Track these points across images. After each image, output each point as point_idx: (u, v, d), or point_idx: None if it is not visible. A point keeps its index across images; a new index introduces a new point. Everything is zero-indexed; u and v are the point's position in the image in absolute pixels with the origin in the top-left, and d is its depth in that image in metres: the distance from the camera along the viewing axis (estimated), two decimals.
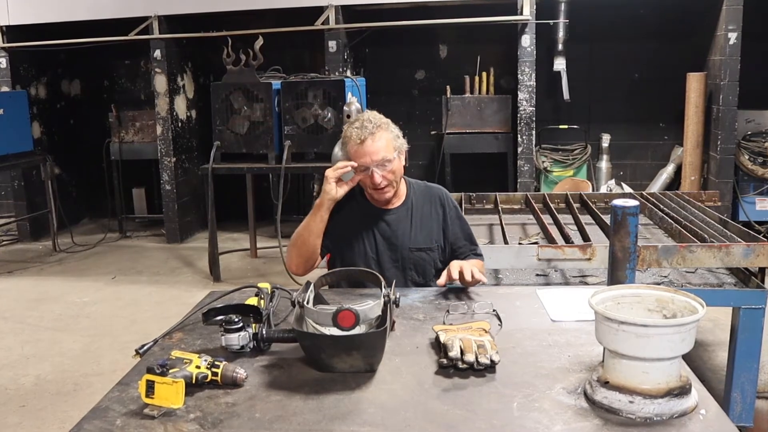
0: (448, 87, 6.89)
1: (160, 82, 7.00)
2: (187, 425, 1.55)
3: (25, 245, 7.40)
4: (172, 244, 7.23)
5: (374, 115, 2.53)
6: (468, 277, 2.34)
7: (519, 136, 6.51)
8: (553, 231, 3.40)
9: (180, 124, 7.24)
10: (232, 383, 1.71)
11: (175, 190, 7.16)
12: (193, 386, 1.68)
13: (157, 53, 6.91)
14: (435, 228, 2.65)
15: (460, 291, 2.41)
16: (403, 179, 2.67)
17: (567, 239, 3.23)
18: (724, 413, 1.56)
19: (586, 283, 3.23)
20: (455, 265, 2.38)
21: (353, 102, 5.22)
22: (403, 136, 2.62)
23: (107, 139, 7.55)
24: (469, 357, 1.74)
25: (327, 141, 5.68)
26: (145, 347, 1.99)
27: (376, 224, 2.63)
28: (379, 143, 2.46)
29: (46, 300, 5.59)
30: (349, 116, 5.07)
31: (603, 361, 1.63)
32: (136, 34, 6.76)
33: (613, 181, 6.89)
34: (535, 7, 6.29)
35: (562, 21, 6.56)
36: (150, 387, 1.59)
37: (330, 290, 2.43)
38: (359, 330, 1.85)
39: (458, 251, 2.69)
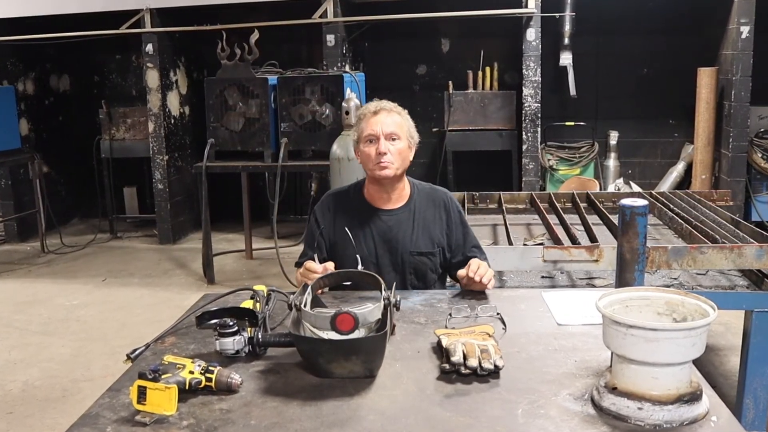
0: (450, 82, 6.86)
1: (152, 78, 6.93)
2: None
3: (12, 246, 7.35)
4: (165, 245, 7.17)
5: (393, 103, 2.58)
6: (478, 278, 2.34)
7: (524, 133, 6.47)
8: (559, 231, 3.38)
9: (173, 121, 7.18)
10: (227, 389, 1.68)
11: (168, 189, 7.10)
12: (187, 392, 1.66)
13: (149, 47, 6.85)
14: (437, 232, 2.59)
15: (462, 294, 2.39)
16: (407, 179, 2.62)
17: (573, 240, 3.21)
18: (736, 420, 1.54)
19: (594, 286, 3.22)
20: (475, 263, 2.38)
21: (352, 98, 5.19)
22: None
23: (97, 137, 7.48)
24: (472, 362, 1.71)
25: (325, 138, 5.66)
26: (137, 352, 1.95)
27: (375, 225, 2.56)
28: (393, 119, 2.50)
29: (34, 303, 5.53)
30: (347, 113, 5.01)
31: (611, 366, 1.62)
32: (127, 28, 6.70)
33: (621, 180, 6.86)
34: None
35: (568, 14, 6.54)
36: (142, 393, 1.58)
37: (328, 293, 2.40)
38: (358, 334, 1.81)
39: (465, 259, 2.60)
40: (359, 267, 2.44)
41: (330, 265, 2.31)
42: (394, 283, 2.07)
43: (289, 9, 6.52)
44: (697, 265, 2.94)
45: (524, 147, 6.45)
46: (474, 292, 2.38)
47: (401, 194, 2.58)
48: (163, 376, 1.62)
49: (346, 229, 2.52)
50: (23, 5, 6.87)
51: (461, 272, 2.38)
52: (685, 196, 4.03)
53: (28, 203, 7.25)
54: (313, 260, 2.38)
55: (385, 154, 2.45)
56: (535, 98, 6.38)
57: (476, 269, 2.34)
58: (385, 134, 2.46)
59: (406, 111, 2.58)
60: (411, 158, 2.57)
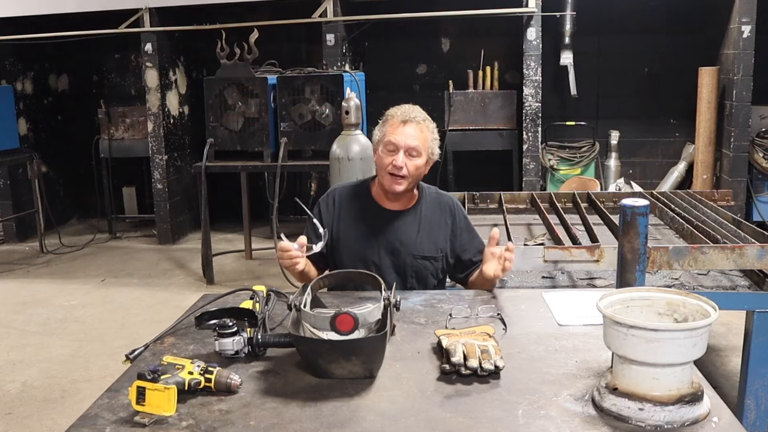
0: (450, 82, 6.83)
1: (151, 77, 6.90)
2: None
3: (10, 246, 7.30)
4: (164, 245, 7.13)
5: (424, 113, 2.52)
6: (501, 270, 2.31)
7: (524, 133, 6.44)
8: (560, 231, 3.36)
9: (172, 121, 7.14)
10: (226, 390, 1.68)
11: (167, 189, 7.06)
12: (186, 393, 1.66)
13: (148, 47, 6.81)
14: (441, 238, 2.58)
15: (463, 294, 2.38)
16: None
17: (574, 240, 3.19)
18: (737, 421, 1.54)
19: (594, 286, 3.18)
20: (512, 250, 2.34)
21: (352, 97, 5.14)
22: None
23: (96, 136, 7.42)
24: (473, 362, 1.70)
25: (325, 138, 5.63)
26: (136, 352, 1.94)
27: (380, 225, 2.53)
28: (419, 133, 2.45)
29: (32, 303, 5.50)
30: (347, 112, 4.97)
31: (612, 366, 1.61)
32: (126, 27, 6.66)
33: (622, 180, 6.81)
34: None
35: (569, 13, 6.49)
36: (141, 394, 1.58)
37: (328, 293, 2.38)
38: (358, 334, 1.80)
39: (470, 264, 2.60)
40: (320, 231, 2.36)
41: (302, 239, 2.28)
42: (395, 284, 2.05)
43: (288, 8, 6.50)
44: (698, 266, 2.91)
45: (525, 147, 6.43)
46: (474, 293, 2.35)
47: (410, 197, 2.58)
48: (162, 377, 1.61)
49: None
50: (22, 4, 6.81)
51: (495, 232, 2.35)
52: (686, 196, 4.00)
53: (26, 203, 7.21)
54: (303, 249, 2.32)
55: (401, 168, 2.41)
56: (535, 98, 6.35)
57: (505, 250, 2.29)
58: (406, 148, 2.41)
59: (435, 124, 2.54)
60: (426, 171, 2.54)
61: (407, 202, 2.57)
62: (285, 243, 2.27)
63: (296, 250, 2.25)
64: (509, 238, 3.30)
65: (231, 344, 1.84)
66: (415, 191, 2.59)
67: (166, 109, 7.00)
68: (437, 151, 2.52)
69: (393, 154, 2.41)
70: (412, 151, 2.41)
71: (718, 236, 3.11)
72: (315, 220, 2.43)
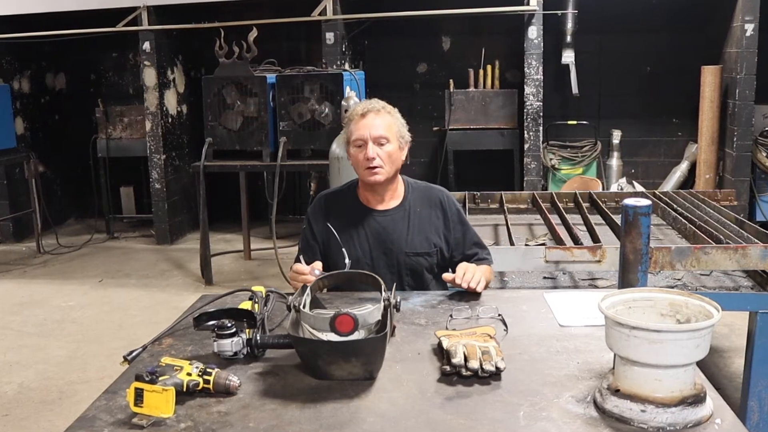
0: (451, 81, 6.80)
1: (150, 76, 6.88)
2: None
3: (7, 246, 7.28)
4: (162, 246, 7.11)
5: (382, 102, 2.54)
6: (465, 285, 2.30)
7: (525, 132, 6.42)
8: (562, 232, 3.36)
9: (170, 120, 7.12)
10: (225, 391, 1.68)
11: (165, 189, 7.05)
12: (184, 394, 1.65)
13: (146, 45, 6.80)
14: (433, 232, 2.56)
15: (463, 295, 2.35)
16: (401, 178, 2.60)
17: (576, 240, 3.18)
18: (740, 423, 1.53)
19: (596, 287, 3.19)
20: (461, 268, 2.35)
21: (351, 96, 5.16)
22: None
23: (94, 136, 7.41)
24: (473, 364, 1.70)
25: (324, 137, 5.62)
26: (134, 353, 1.95)
27: (369, 226, 2.53)
28: (381, 121, 2.46)
29: (29, 304, 5.49)
30: (347, 111, 4.93)
31: (614, 368, 1.61)
32: (125, 25, 6.65)
33: (624, 180, 6.81)
34: None
35: (570, 11, 6.47)
36: (139, 395, 1.57)
37: (327, 294, 2.36)
38: (358, 335, 1.80)
39: (464, 258, 2.58)
40: (346, 261, 2.43)
41: (318, 264, 2.29)
42: (395, 284, 2.03)
43: (288, 6, 6.49)
44: (700, 266, 2.91)
45: (526, 146, 6.41)
46: (474, 293, 2.34)
47: (395, 194, 2.56)
48: (160, 378, 1.61)
49: (329, 225, 2.48)
50: (19, 3, 6.79)
51: (447, 276, 2.34)
52: (689, 196, 3.99)
53: (23, 203, 7.19)
54: (301, 262, 2.35)
55: (373, 158, 2.42)
56: (537, 97, 6.33)
57: (462, 275, 2.29)
58: (373, 138, 2.42)
59: (396, 109, 2.54)
60: (403, 158, 2.54)
61: (393, 199, 2.55)
62: (301, 266, 2.27)
63: (312, 275, 2.22)
64: (510, 239, 3.30)
65: (230, 345, 1.83)
66: (401, 188, 2.57)
67: (165, 108, 6.98)
68: (407, 135, 2.53)
69: (363, 149, 2.43)
70: (380, 139, 2.42)
71: (721, 236, 3.10)
72: (343, 249, 2.44)
